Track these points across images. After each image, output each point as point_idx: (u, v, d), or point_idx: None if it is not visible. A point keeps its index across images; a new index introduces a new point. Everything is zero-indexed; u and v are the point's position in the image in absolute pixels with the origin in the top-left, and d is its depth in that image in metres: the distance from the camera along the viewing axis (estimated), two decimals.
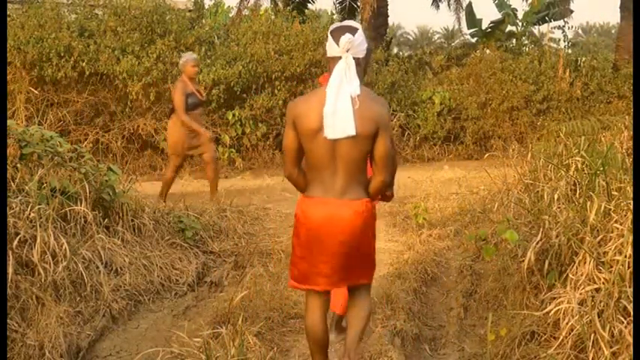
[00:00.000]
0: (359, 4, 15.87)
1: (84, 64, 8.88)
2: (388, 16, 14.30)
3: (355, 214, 2.69)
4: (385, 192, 2.98)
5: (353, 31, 2.64)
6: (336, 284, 2.82)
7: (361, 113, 2.58)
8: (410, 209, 6.09)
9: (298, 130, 2.66)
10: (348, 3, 16.64)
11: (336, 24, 2.78)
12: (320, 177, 2.71)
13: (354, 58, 2.61)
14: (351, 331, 2.91)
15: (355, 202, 2.70)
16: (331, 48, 2.65)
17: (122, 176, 5.06)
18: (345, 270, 2.75)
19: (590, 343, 2.73)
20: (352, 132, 2.57)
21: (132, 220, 4.67)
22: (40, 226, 3.70)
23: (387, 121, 2.69)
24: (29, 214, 3.73)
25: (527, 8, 14.94)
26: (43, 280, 3.53)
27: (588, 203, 3.43)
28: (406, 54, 13.07)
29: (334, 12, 16.78)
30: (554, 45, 16.27)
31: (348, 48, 2.59)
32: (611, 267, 2.96)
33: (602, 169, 3.77)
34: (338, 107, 2.57)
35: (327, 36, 2.64)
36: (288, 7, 12.32)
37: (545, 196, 4.03)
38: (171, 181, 6.48)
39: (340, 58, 2.60)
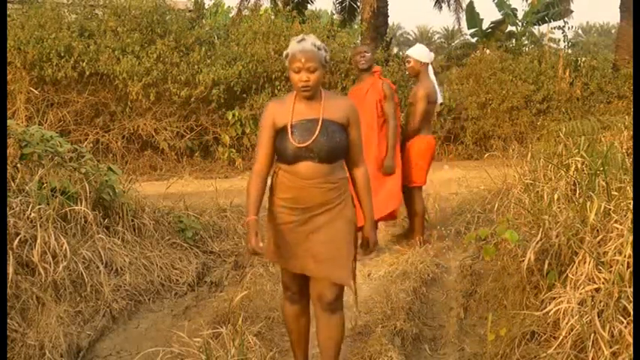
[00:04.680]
0: (359, 4, 15.89)
1: (84, 64, 8.88)
2: (388, 16, 14.30)
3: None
4: None
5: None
6: None
7: None
8: None
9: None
10: (347, 3, 16.65)
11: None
12: (428, 124, 5.39)
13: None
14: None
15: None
16: (427, 58, 5.31)
17: (122, 176, 5.06)
18: None
19: (590, 343, 2.73)
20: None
21: (132, 220, 4.68)
22: (40, 226, 3.70)
23: None
24: (29, 214, 3.73)
25: (527, 8, 14.95)
26: (43, 280, 3.53)
27: (588, 203, 3.43)
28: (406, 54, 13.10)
29: (334, 12, 16.79)
30: (554, 45, 16.24)
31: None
32: (611, 267, 2.96)
33: (602, 169, 3.77)
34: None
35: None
36: (288, 7, 12.31)
37: (545, 196, 4.03)
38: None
39: (429, 63, 5.32)
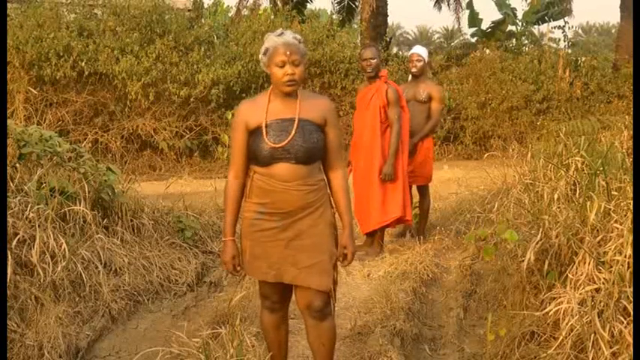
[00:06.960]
0: (357, 3, 15.88)
1: (83, 63, 8.88)
2: (387, 16, 14.29)
3: None
4: None
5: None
6: None
7: None
8: None
9: None
10: (346, 2, 16.63)
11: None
12: None
13: None
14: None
15: None
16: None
17: (121, 176, 5.05)
18: None
19: (590, 343, 2.73)
20: None
21: (131, 220, 4.67)
22: (39, 226, 3.69)
23: None
24: (28, 214, 3.72)
25: (527, 8, 14.94)
26: (42, 281, 3.53)
27: (588, 203, 3.42)
28: (406, 54, 13.08)
29: (333, 12, 16.77)
30: (554, 45, 16.24)
31: None
32: (611, 267, 2.95)
33: (602, 169, 3.76)
34: None
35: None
36: (287, 7, 12.30)
37: (545, 196, 4.02)
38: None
39: None
